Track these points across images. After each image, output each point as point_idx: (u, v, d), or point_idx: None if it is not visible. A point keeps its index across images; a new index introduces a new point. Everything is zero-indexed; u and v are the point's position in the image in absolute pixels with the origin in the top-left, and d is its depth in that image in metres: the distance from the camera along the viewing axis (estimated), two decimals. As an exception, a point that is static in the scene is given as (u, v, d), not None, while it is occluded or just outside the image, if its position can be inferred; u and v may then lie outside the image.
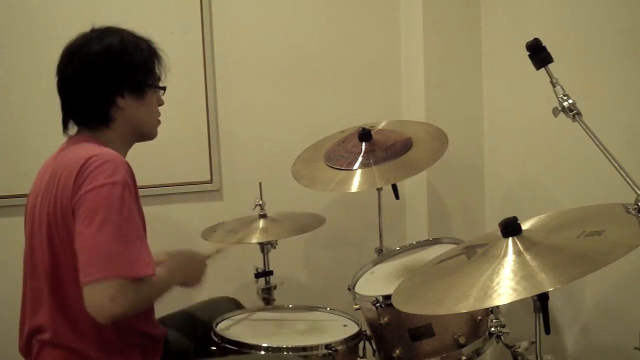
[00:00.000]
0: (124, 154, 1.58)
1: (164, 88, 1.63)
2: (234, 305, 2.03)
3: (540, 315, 1.41)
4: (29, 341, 1.50)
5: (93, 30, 1.56)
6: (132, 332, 1.51)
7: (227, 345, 1.72)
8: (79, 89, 1.52)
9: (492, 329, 1.83)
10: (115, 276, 1.31)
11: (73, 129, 1.59)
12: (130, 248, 1.35)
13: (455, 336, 1.77)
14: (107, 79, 1.51)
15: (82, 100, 1.53)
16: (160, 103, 1.64)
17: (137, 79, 1.56)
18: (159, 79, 1.62)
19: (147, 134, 1.63)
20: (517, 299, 1.20)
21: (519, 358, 1.67)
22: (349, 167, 2.16)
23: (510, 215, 1.41)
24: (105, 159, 1.41)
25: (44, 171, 1.54)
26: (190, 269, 1.66)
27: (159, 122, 1.65)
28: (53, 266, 1.44)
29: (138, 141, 1.63)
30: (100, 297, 1.30)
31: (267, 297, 2.29)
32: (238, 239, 2.17)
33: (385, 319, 1.80)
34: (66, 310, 1.45)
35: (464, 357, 1.77)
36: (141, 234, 1.43)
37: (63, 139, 1.60)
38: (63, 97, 1.56)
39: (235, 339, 1.72)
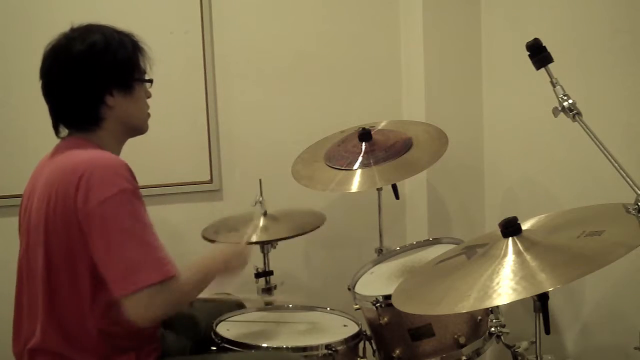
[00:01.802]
0: (118, 151, 1.57)
1: (150, 80, 1.61)
2: (237, 306, 2.02)
3: (540, 315, 1.41)
4: (24, 348, 1.50)
5: (73, 30, 1.53)
6: (124, 337, 1.50)
7: (226, 346, 1.72)
8: (66, 92, 1.50)
9: (492, 329, 1.83)
10: (144, 286, 1.34)
11: (65, 132, 1.57)
12: (151, 252, 1.38)
13: (455, 336, 1.77)
14: (93, 79, 1.49)
15: (70, 102, 1.51)
16: (148, 96, 1.62)
17: (124, 75, 1.53)
18: (144, 72, 1.59)
19: (138, 128, 1.61)
20: (517, 299, 1.20)
21: (519, 358, 1.67)
22: (349, 167, 2.16)
23: (510, 215, 1.41)
24: (104, 166, 1.40)
25: (38, 174, 1.53)
26: (233, 256, 1.66)
27: (148, 115, 1.63)
28: (48, 273, 1.44)
29: (130, 137, 1.61)
30: (137, 308, 1.35)
31: (269, 300, 2.28)
32: (239, 237, 2.17)
33: (385, 319, 1.80)
34: (59, 316, 1.44)
35: (464, 357, 1.77)
36: (156, 234, 1.43)
37: (63, 139, 1.60)
38: (50, 101, 1.53)
39: (235, 339, 1.72)
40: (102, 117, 1.52)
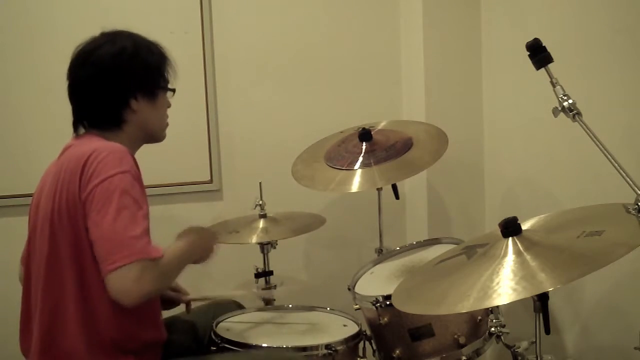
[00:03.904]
0: (132, 155, 1.59)
1: (173, 90, 1.65)
2: (238, 308, 2.02)
3: (540, 315, 1.41)
4: (31, 346, 1.50)
5: (104, 34, 1.57)
6: (131, 338, 1.50)
7: (227, 346, 1.72)
8: (93, 92, 1.53)
9: (492, 329, 1.83)
10: (137, 259, 1.34)
11: (82, 131, 1.59)
12: (145, 231, 1.39)
13: (455, 336, 1.77)
14: (121, 81, 1.53)
15: (95, 103, 1.54)
16: (169, 105, 1.66)
17: (150, 82, 1.58)
18: (168, 82, 1.63)
19: (155, 136, 1.64)
20: (517, 299, 1.20)
21: (519, 358, 1.67)
22: (349, 167, 2.16)
23: (510, 215, 1.41)
24: (109, 151, 1.43)
25: (49, 171, 1.55)
26: (204, 244, 1.65)
27: (167, 124, 1.67)
28: (53, 270, 1.44)
29: (146, 143, 1.64)
30: (126, 281, 1.33)
31: (267, 297, 2.29)
32: (238, 238, 2.18)
33: (385, 319, 1.80)
34: (65, 314, 1.44)
35: (464, 357, 1.77)
36: (148, 221, 1.44)
37: (64, 139, 1.60)
38: (75, 100, 1.56)
39: (235, 339, 1.72)
40: (124, 120, 1.55)
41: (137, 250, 1.35)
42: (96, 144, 1.46)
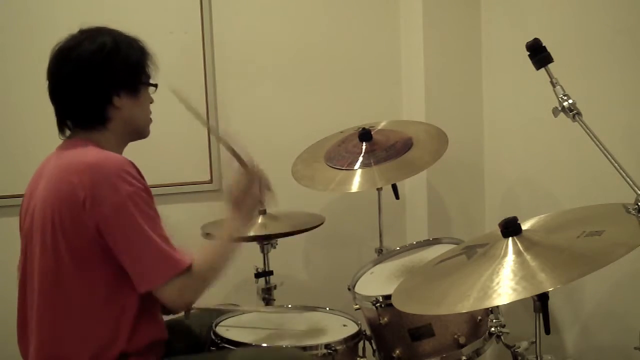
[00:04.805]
0: (120, 153, 1.58)
1: (155, 85, 1.63)
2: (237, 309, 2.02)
3: (540, 315, 1.41)
4: (29, 350, 1.50)
5: (82, 32, 1.55)
6: (134, 340, 1.49)
7: (226, 346, 1.72)
8: (75, 90, 1.51)
9: (492, 329, 1.83)
10: (173, 275, 1.41)
11: (68, 133, 1.58)
12: (169, 245, 1.44)
13: (455, 336, 1.77)
14: (103, 78, 1.51)
15: (78, 101, 1.52)
16: (151, 101, 1.64)
17: (132, 77, 1.56)
18: (149, 77, 1.62)
19: (140, 132, 1.62)
20: (517, 299, 1.20)
21: (519, 358, 1.68)
22: (349, 167, 2.16)
23: (510, 215, 1.42)
24: (108, 167, 1.41)
25: (39, 176, 1.53)
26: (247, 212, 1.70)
27: (151, 120, 1.65)
28: (55, 272, 1.44)
29: (132, 140, 1.63)
30: (170, 297, 1.43)
31: (267, 297, 2.29)
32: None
33: (385, 319, 1.80)
34: (63, 322, 1.44)
35: (464, 357, 1.77)
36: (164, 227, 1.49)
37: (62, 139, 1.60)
38: (58, 100, 1.54)
39: (234, 339, 1.72)
40: (109, 117, 1.53)
41: (171, 267, 1.41)
42: (91, 155, 1.45)
